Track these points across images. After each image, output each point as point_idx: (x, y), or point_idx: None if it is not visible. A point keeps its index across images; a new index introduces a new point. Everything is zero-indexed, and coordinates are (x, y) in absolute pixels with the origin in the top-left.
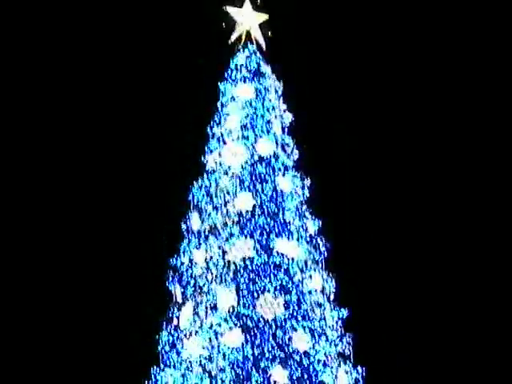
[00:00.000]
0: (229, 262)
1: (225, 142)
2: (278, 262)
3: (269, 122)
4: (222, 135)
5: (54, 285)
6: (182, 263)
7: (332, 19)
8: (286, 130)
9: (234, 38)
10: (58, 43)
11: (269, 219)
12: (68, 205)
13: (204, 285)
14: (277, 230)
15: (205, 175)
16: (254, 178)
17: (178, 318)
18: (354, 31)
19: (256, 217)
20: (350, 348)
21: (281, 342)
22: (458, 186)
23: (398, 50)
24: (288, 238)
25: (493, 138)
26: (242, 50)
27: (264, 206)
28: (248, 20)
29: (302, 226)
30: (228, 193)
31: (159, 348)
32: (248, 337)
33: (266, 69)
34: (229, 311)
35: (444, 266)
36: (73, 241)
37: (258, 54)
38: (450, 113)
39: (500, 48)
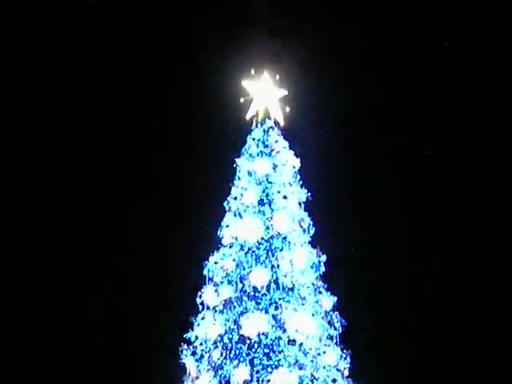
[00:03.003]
0: (243, 336)
1: (241, 217)
2: (292, 338)
3: (285, 197)
4: (238, 210)
5: (72, 351)
6: (197, 337)
7: (347, 94)
8: (303, 205)
9: (251, 112)
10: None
11: (284, 294)
12: (91, 279)
13: (218, 359)
14: (292, 306)
15: (220, 250)
16: (269, 253)
17: None
18: (371, 107)
19: (271, 292)
20: None
21: None
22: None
23: (408, 115)
24: (303, 314)
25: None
26: (259, 125)
27: (279, 281)
28: (266, 95)
29: (317, 302)
30: (243, 268)
31: None
32: None
33: (284, 144)
34: None
35: (454, 333)
36: (92, 317)
37: (276, 129)
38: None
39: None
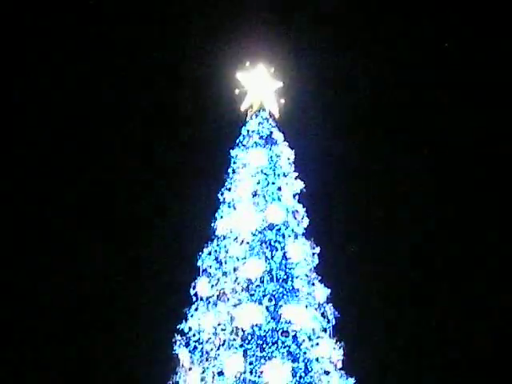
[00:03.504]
0: (237, 328)
1: (235, 208)
2: (285, 329)
3: (280, 188)
4: (232, 201)
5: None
6: (190, 328)
7: (344, 87)
8: (297, 197)
9: (246, 104)
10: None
11: (278, 286)
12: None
13: (211, 350)
14: (285, 297)
15: (215, 241)
16: (263, 245)
17: (184, 382)
18: (366, 98)
19: (265, 283)
20: None
21: None
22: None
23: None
24: (296, 305)
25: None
26: (254, 117)
27: (273, 273)
28: (261, 87)
29: (311, 294)
30: (237, 259)
31: None
32: None
33: (278, 135)
34: (236, 377)
35: (448, 331)
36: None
37: (271, 121)
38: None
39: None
